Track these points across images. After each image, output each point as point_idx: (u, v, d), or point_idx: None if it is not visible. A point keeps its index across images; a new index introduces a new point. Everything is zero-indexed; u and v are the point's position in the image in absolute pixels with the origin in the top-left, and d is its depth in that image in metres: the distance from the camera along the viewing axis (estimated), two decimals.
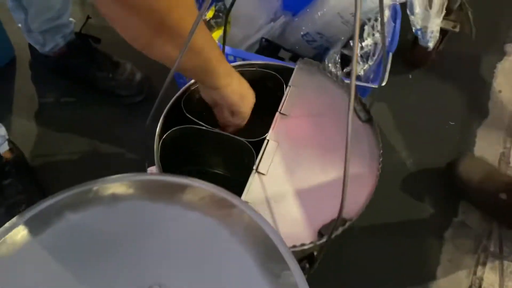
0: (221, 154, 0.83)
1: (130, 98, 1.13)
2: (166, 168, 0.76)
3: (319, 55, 1.14)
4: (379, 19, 0.95)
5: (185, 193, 0.48)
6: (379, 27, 0.94)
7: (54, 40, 1.06)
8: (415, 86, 1.28)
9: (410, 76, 1.30)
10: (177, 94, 0.77)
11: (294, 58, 1.15)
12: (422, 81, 1.30)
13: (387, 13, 0.95)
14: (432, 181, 1.11)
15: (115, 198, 0.47)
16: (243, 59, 0.92)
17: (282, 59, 1.15)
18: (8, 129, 1.07)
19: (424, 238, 1.03)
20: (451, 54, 1.33)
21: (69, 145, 1.09)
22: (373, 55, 0.93)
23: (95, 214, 0.46)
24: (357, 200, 0.68)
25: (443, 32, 1.16)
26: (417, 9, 0.90)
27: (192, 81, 0.78)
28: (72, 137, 1.10)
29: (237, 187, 0.79)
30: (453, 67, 1.33)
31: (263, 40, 1.12)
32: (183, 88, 0.77)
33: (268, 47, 1.13)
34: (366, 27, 0.95)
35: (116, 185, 0.47)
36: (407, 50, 1.29)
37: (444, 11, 0.97)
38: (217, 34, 1.11)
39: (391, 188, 1.09)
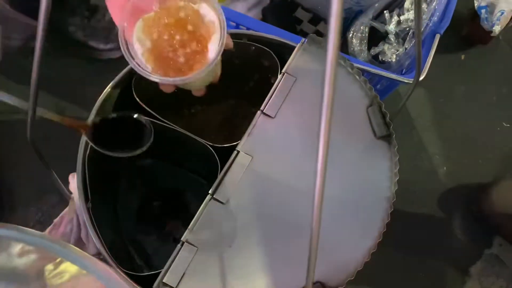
0: (185, 153, 0.63)
1: (107, 52, 0.93)
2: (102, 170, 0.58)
3: (346, 21, 0.89)
4: None
5: None
6: None
7: None
8: (466, 71, 1.01)
9: (463, 57, 1.02)
10: (124, 70, 0.56)
11: (315, 20, 0.90)
12: (477, 65, 1.02)
13: None
14: (466, 199, 0.88)
15: None
16: (237, 24, 0.69)
17: (299, 20, 0.91)
18: None
19: (446, 271, 0.83)
20: None
21: None
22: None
23: None
24: (349, 258, 0.48)
25: None
26: None
27: None
28: None
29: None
30: None
31: None
32: None
33: (282, 3, 0.88)
34: None
35: None
36: (463, 21, 1.00)
37: None
38: None
39: (414, 201, 0.87)
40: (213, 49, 0.41)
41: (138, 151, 0.46)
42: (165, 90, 0.51)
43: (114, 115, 0.46)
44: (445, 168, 0.90)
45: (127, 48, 0.41)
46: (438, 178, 0.89)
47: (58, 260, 0.32)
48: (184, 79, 0.41)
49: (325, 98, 0.26)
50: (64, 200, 0.84)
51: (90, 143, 0.46)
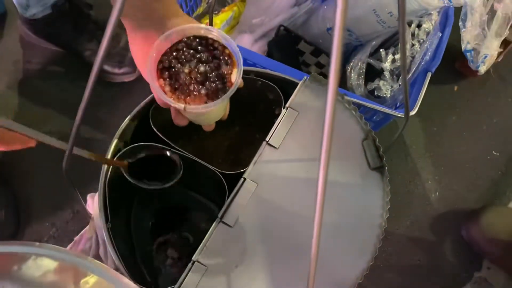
0: (196, 177, 0.69)
1: (120, 76, 0.99)
2: (120, 188, 0.63)
3: (346, 53, 0.95)
4: (423, 24, 0.74)
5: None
6: (421, 36, 0.74)
7: (38, 3, 0.92)
8: (459, 102, 1.07)
9: (456, 88, 1.08)
10: (145, 101, 0.62)
11: (316, 52, 0.96)
12: (469, 96, 1.08)
13: (435, 18, 0.74)
14: (457, 224, 0.93)
15: None
16: (244, 60, 0.75)
17: (302, 52, 0.97)
18: None
19: None
20: None
21: (48, 124, 0.97)
22: (408, 71, 0.74)
23: None
24: (345, 278, 0.53)
25: (506, 42, 0.93)
26: (470, 23, 0.68)
27: None
28: (53, 115, 0.98)
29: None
30: None
31: (282, 28, 0.93)
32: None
33: (286, 37, 0.95)
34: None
35: None
36: (457, 54, 1.06)
37: (508, 30, 0.73)
38: (226, 15, 0.93)
39: (407, 224, 0.92)
40: (233, 80, 0.46)
41: (168, 184, 0.53)
42: (179, 124, 0.56)
43: (147, 153, 0.53)
44: (437, 193, 0.95)
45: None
46: (430, 202, 0.95)
47: (90, 276, 0.37)
48: (208, 106, 0.45)
49: (325, 132, 0.29)
50: (77, 217, 0.90)
51: (128, 177, 0.52)
